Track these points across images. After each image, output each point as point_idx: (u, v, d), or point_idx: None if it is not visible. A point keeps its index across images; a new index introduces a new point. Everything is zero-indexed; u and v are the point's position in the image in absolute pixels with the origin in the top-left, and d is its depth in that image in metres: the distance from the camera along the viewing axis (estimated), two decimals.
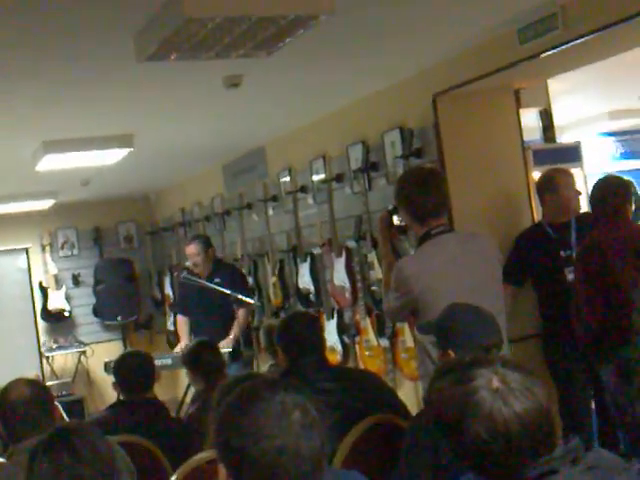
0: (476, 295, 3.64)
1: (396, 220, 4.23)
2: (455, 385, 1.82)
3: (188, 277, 6.74)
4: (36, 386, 3.27)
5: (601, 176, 4.92)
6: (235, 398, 1.80)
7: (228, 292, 6.40)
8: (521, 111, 5.22)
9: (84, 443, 1.96)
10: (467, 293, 3.63)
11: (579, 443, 1.82)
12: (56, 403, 3.72)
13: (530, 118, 5.42)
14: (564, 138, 6.18)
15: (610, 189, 4.57)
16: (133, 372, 4.26)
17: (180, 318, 7.17)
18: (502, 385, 1.78)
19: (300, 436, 1.70)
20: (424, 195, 3.86)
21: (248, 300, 6.47)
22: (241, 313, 6.68)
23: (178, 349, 6.64)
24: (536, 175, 5.18)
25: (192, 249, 6.79)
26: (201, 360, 4.80)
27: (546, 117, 5.46)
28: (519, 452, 1.75)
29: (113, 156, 6.36)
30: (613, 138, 7.89)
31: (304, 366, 3.77)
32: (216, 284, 6.55)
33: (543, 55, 4.24)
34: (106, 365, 6.70)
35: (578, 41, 3.99)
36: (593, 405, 4.91)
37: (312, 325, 4.04)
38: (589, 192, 4.80)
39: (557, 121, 5.62)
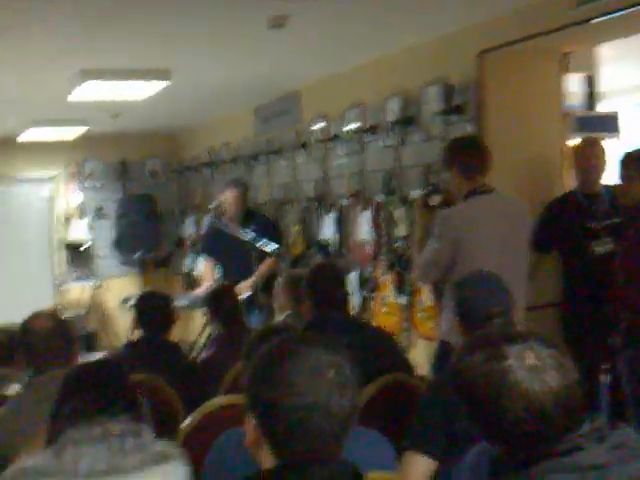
0: (508, 252, 4.08)
1: (431, 202, 4.64)
2: (488, 362, 1.78)
3: (217, 221, 6.59)
4: (58, 318, 3.26)
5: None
6: (271, 350, 1.77)
7: (251, 240, 6.16)
8: (565, 76, 5.11)
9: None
10: (500, 249, 4.06)
11: (605, 421, 1.80)
12: None
13: (573, 83, 5.30)
14: (604, 106, 6.04)
15: None
16: (154, 312, 4.25)
17: (206, 260, 7.08)
18: (537, 362, 1.75)
19: (332, 394, 1.68)
20: (471, 154, 4.25)
21: (267, 249, 6.14)
22: (267, 261, 6.51)
23: (201, 290, 6.54)
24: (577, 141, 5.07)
25: (229, 196, 6.62)
26: (223, 303, 4.77)
27: (590, 83, 5.34)
28: (553, 428, 1.73)
29: (148, 89, 6.25)
30: None
31: (329, 320, 3.80)
32: (251, 232, 6.27)
33: (595, 20, 4.12)
34: (125, 300, 6.69)
35: (634, 9, 3.88)
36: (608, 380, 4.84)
37: (339, 279, 4.06)
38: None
39: (600, 88, 5.49)
